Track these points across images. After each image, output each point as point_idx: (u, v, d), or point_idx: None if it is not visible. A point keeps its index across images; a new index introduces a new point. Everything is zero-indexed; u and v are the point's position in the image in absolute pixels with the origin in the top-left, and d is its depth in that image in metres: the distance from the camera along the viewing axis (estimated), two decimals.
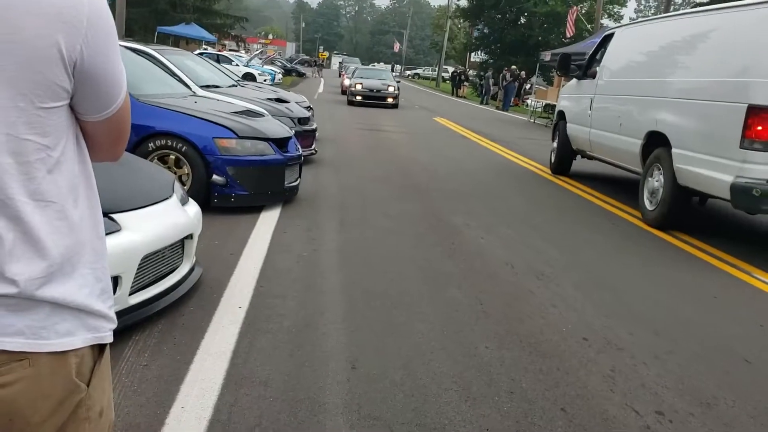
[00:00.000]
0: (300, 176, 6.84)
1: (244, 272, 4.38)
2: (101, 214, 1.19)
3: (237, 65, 28.71)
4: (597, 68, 9.33)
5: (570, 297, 4.46)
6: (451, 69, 54.99)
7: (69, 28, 1.00)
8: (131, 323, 3.28)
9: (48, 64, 1.00)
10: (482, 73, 41.79)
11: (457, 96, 41.09)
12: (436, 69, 63.12)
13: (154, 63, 7.81)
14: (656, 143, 7.05)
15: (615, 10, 43.99)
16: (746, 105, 5.65)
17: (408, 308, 4.02)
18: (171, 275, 3.64)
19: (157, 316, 3.47)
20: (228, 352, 3.17)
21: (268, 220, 5.82)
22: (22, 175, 1.02)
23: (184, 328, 3.42)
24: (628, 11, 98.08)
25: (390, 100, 23.90)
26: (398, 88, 24.67)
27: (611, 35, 9.43)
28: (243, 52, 43.61)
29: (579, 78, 10.04)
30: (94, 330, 1.14)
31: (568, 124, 10.01)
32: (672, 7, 32.07)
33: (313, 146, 9.59)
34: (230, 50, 41.09)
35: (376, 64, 67.55)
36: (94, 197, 1.17)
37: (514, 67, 32.34)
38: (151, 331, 3.35)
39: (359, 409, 2.77)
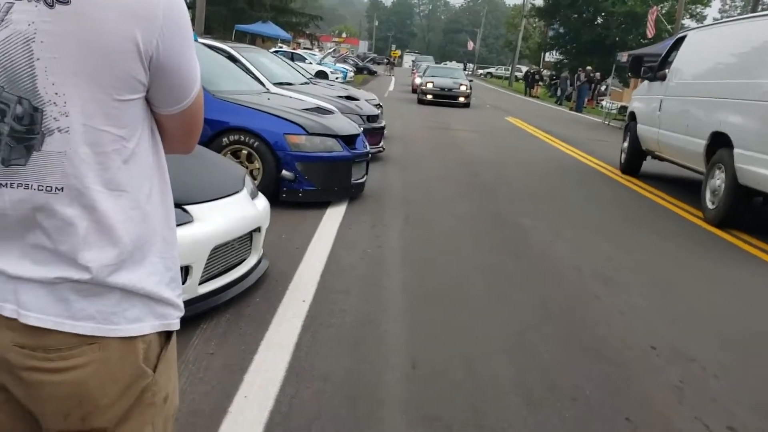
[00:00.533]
0: (367, 173, 6.88)
1: (309, 266, 4.45)
2: (173, 205, 1.23)
3: (310, 63, 29.12)
4: (667, 70, 9.42)
5: (638, 304, 4.34)
6: (524, 68, 54.24)
7: (145, 23, 1.04)
8: (200, 312, 3.37)
9: (125, 57, 1.04)
10: (554, 74, 41.11)
11: (530, 96, 40.49)
12: (509, 68, 62.38)
13: (230, 60, 8.00)
14: (719, 144, 7.15)
15: (698, 10, 42.50)
16: None
17: (470, 308, 4.00)
18: (239, 267, 3.73)
19: (225, 306, 3.56)
20: (291, 345, 3.22)
21: (334, 216, 5.88)
22: (98, 165, 1.06)
23: (249, 318, 3.50)
24: (711, 11, 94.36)
25: (462, 99, 23.24)
26: (470, 87, 24.03)
27: (683, 38, 9.50)
28: (316, 50, 44.20)
29: (650, 80, 10.08)
30: (162, 317, 1.18)
31: (638, 125, 10.10)
32: (760, 7, 30.72)
33: (381, 143, 9.63)
34: (304, 48, 41.69)
35: (448, 62, 67.27)
36: (166, 188, 1.21)
37: (589, 67, 31.66)
38: (219, 320, 3.44)
39: (418, 408, 2.78)
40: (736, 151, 6.70)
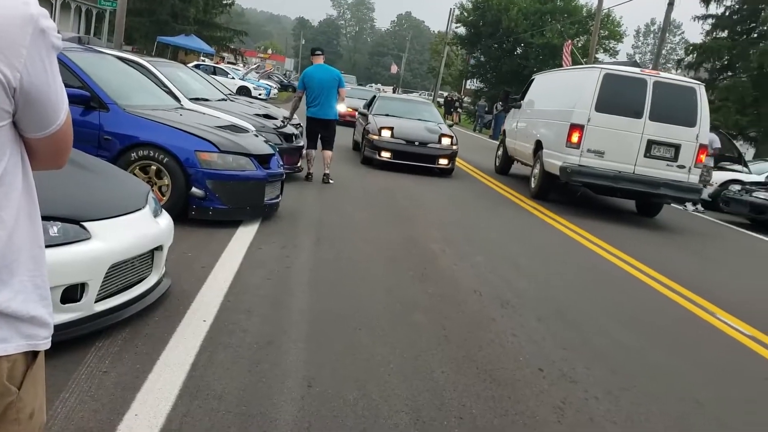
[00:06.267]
0: (281, 193, 6.92)
1: (214, 286, 4.44)
2: (41, 225, 1.27)
3: (233, 78, 28.89)
4: (522, 101, 14.26)
5: (531, 327, 4.55)
6: (445, 94, 55.34)
7: (9, 59, 1.09)
8: (96, 330, 3.34)
9: None
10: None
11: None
12: (432, 93, 63.58)
13: (145, 74, 7.90)
14: (539, 147, 11.53)
15: (611, 45, 44.59)
16: (569, 123, 10.17)
17: (372, 331, 4.09)
18: (139, 285, 3.70)
19: (123, 325, 3.53)
20: (187, 364, 3.23)
21: (244, 236, 5.88)
22: None
23: (147, 337, 3.48)
24: (624, 47, 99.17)
25: (443, 161, 12.80)
26: (456, 141, 13.29)
27: (534, 79, 14.54)
28: (240, 65, 43.86)
29: (514, 107, 14.86)
30: (29, 338, 1.22)
31: (506, 138, 14.82)
32: (667, 46, 32.55)
33: (298, 163, 9.69)
34: (228, 63, 41.30)
35: (373, 84, 67.74)
36: (34, 208, 1.25)
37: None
38: (115, 338, 3.41)
39: (309, 426, 2.84)
40: (543, 150, 11.18)
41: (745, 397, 4.02)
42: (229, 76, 29.05)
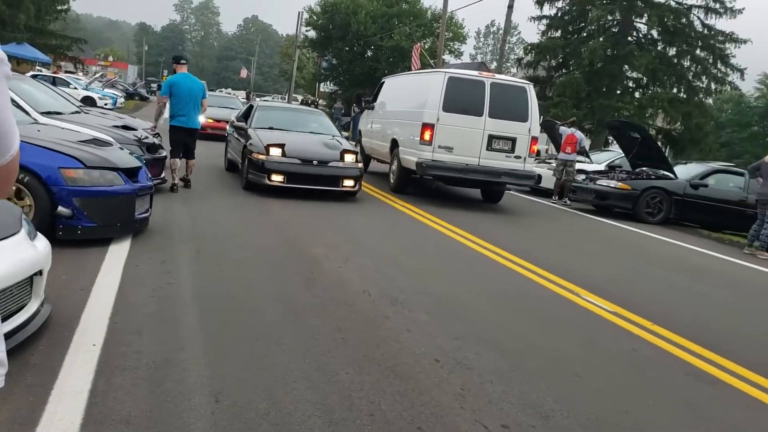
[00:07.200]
0: (151, 206, 6.68)
1: (96, 308, 4.24)
2: None
3: (75, 88, 27.30)
4: (375, 103, 15.32)
5: (422, 321, 4.73)
6: (300, 98, 55.25)
7: None
8: None
9: None
10: (332, 104, 42.57)
11: None
12: (286, 97, 63.20)
13: None
14: (395, 145, 12.69)
15: (455, 46, 46.74)
16: (421, 122, 11.37)
17: (270, 339, 4.08)
18: (19, 314, 3.47)
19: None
20: (85, 392, 3.07)
21: (118, 253, 5.63)
22: None
23: (35, 368, 3.28)
24: (467, 48, 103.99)
25: (348, 183, 10.69)
26: (360, 158, 11.43)
27: (384, 82, 15.60)
28: (81, 74, 41.41)
29: (368, 108, 16.02)
30: None
31: (362, 138, 16.02)
32: (507, 46, 34.42)
33: (162, 174, 9.36)
34: (67, 72, 38.86)
35: (223, 89, 66.30)
36: None
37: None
38: None
39: None
40: (400, 148, 12.34)
41: (618, 367, 4.42)
42: (71, 86, 27.37)
